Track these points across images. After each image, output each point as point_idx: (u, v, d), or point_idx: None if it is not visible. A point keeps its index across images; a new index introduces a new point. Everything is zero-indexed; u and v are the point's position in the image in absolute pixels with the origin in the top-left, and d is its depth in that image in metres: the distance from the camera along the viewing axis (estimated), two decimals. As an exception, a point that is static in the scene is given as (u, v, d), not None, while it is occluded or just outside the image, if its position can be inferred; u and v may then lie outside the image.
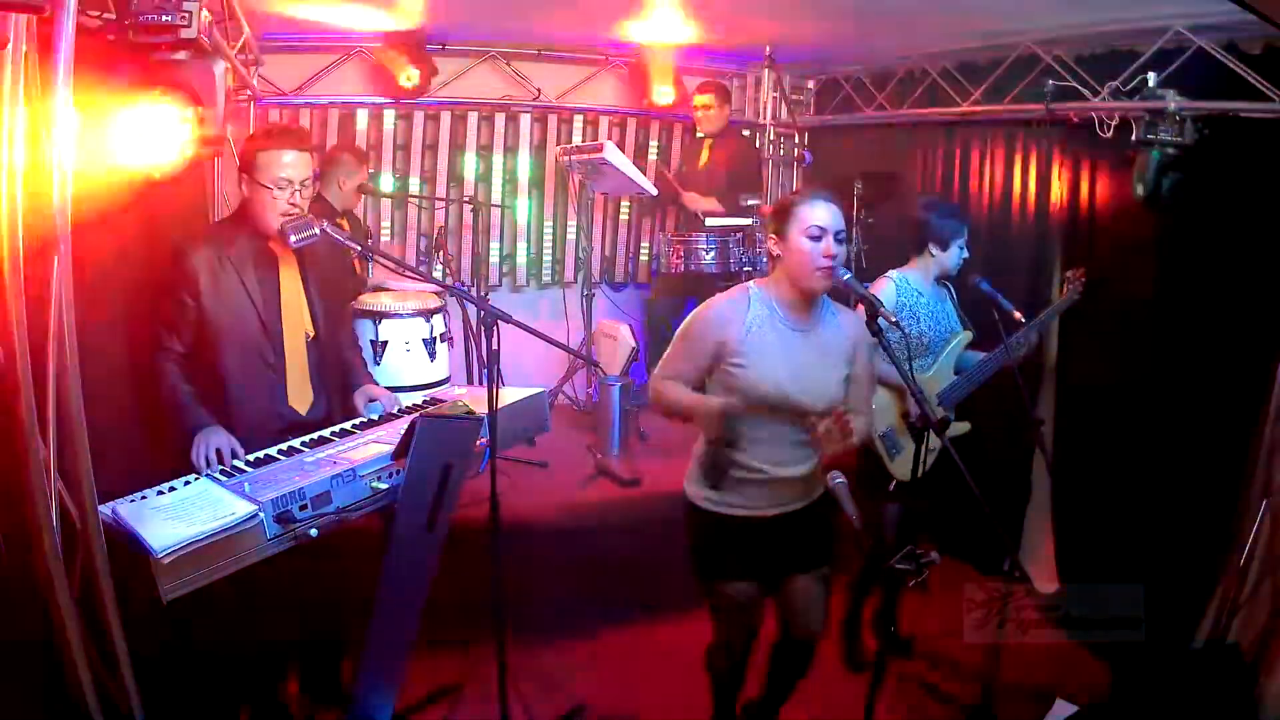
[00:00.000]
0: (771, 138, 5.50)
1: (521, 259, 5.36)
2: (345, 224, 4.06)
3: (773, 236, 2.27)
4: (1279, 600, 2.49)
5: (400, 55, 4.51)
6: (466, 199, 4.97)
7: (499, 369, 2.29)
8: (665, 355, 2.38)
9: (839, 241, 2.19)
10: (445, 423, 2.23)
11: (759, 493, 2.32)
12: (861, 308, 2.22)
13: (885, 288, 3.10)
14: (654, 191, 4.74)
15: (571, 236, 5.43)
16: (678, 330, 2.37)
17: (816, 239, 2.18)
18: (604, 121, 5.33)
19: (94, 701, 1.60)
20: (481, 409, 2.30)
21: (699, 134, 5.03)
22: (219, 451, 2.31)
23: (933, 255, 3.14)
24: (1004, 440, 3.59)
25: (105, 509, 1.89)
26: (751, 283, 2.36)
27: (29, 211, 1.51)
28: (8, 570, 1.54)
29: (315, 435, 2.49)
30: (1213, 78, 3.06)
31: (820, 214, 2.19)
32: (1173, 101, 3.10)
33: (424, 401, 2.93)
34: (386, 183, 4.93)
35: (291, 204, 2.40)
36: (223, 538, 1.91)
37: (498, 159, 5.14)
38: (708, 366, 2.29)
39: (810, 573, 2.42)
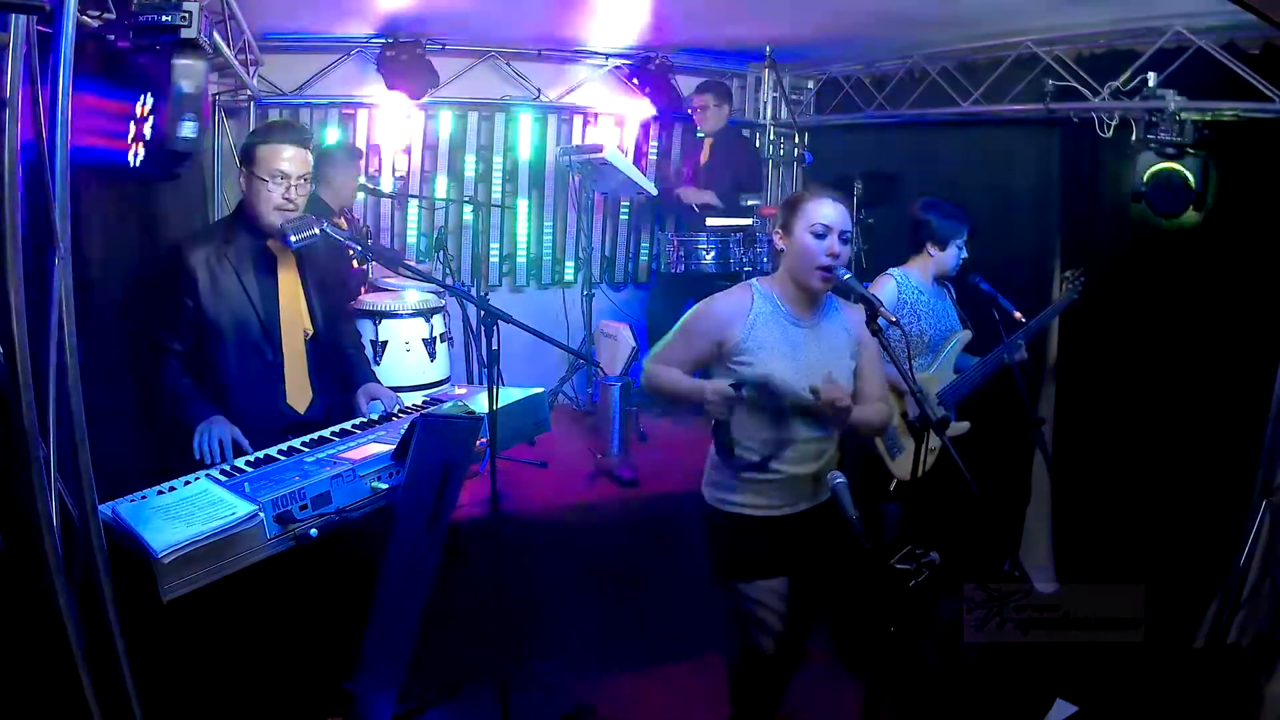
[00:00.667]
0: (771, 138, 5.50)
1: (521, 259, 5.36)
2: (343, 224, 4.06)
3: (778, 231, 2.28)
4: (1279, 600, 2.49)
5: None
6: (466, 199, 4.97)
7: (499, 369, 2.29)
8: (663, 341, 2.38)
9: (843, 241, 2.20)
10: (445, 423, 2.23)
11: (772, 491, 2.32)
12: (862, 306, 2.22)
13: (887, 285, 3.10)
14: (654, 191, 4.73)
15: (571, 237, 5.44)
16: (680, 320, 2.37)
17: (821, 236, 2.18)
18: (604, 121, 5.33)
19: (94, 702, 1.60)
20: (481, 409, 2.30)
21: (699, 133, 5.03)
22: (221, 442, 2.32)
23: (931, 255, 3.15)
24: (1004, 440, 3.59)
25: (105, 509, 1.89)
26: (755, 279, 2.37)
27: (28, 211, 1.51)
28: (8, 570, 1.54)
29: (315, 435, 2.49)
30: (1213, 78, 3.06)
31: (827, 211, 2.20)
32: (1173, 101, 3.10)
33: (424, 401, 2.92)
34: (386, 183, 4.93)
35: (286, 198, 2.41)
36: (223, 538, 1.91)
37: (498, 159, 5.13)
38: (704, 360, 2.29)
39: (821, 573, 2.38)
